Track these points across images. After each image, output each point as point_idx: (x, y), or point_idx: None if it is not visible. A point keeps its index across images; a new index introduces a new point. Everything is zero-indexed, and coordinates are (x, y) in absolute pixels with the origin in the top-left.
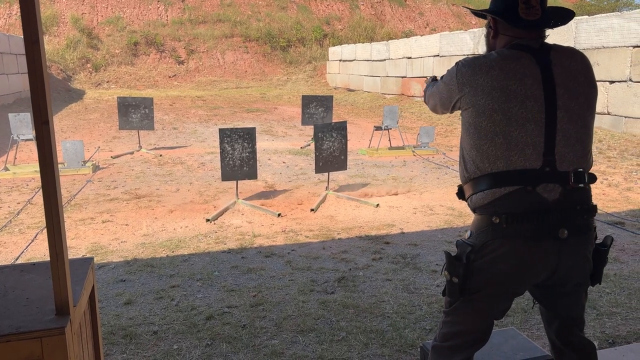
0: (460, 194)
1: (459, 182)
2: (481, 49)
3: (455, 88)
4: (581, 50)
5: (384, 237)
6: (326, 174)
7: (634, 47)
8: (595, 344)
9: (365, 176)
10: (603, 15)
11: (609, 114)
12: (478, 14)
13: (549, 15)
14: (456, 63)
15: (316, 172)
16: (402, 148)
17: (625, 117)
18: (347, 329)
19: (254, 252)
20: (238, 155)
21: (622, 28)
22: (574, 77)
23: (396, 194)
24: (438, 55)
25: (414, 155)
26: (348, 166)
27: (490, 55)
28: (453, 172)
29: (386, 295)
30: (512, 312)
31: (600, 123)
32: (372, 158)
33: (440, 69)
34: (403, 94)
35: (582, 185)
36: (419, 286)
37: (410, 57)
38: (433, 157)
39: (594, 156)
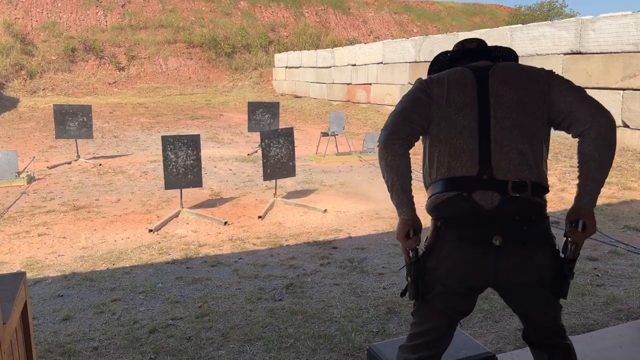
0: None
1: None
2: (422, 56)
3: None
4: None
5: (332, 242)
6: (274, 180)
7: (565, 54)
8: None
9: (314, 182)
10: (536, 24)
11: None
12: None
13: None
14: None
15: (264, 180)
16: (349, 154)
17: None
18: (295, 335)
19: (199, 262)
20: (182, 163)
21: (554, 36)
22: (512, 88)
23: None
24: (381, 63)
25: (361, 160)
26: (296, 172)
27: (444, 72)
28: None
29: (334, 299)
30: None
31: None
32: (320, 164)
33: (383, 76)
34: (349, 101)
35: (521, 195)
36: (366, 289)
37: (354, 65)
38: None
39: None
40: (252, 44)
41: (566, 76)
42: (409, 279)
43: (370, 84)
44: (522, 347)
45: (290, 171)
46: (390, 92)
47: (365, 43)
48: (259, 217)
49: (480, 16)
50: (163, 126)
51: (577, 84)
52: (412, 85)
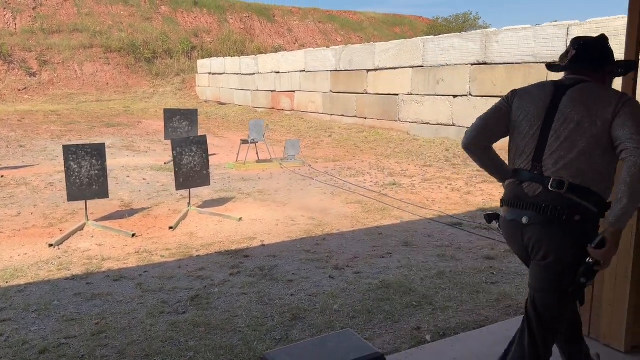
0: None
1: (323, 192)
2: (342, 65)
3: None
4: (428, 68)
5: (244, 250)
6: (190, 190)
7: (472, 64)
8: (428, 337)
9: (231, 190)
10: (446, 35)
11: (454, 125)
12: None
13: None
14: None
15: (177, 189)
16: (270, 161)
17: (468, 128)
18: (195, 348)
19: (101, 276)
20: (86, 174)
21: (462, 47)
22: (577, 108)
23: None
24: (304, 71)
25: (282, 167)
26: (214, 180)
27: (532, 85)
28: (317, 184)
29: (240, 309)
30: (357, 313)
31: (447, 134)
32: (240, 172)
33: (307, 84)
34: (274, 108)
35: (560, 191)
36: (274, 297)
37: (278, 72)
38: (299, 169)
39: (442, 164)
40: (174, 49)
41: (473, 85)
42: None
43: (294, 91)
44: (417, 345)
45: (204, 180)
46: (314, 100)
47: (289, 51)
48: (170, 227)
49: (400, 27)
50: (75, 134)
51: (483, 92)
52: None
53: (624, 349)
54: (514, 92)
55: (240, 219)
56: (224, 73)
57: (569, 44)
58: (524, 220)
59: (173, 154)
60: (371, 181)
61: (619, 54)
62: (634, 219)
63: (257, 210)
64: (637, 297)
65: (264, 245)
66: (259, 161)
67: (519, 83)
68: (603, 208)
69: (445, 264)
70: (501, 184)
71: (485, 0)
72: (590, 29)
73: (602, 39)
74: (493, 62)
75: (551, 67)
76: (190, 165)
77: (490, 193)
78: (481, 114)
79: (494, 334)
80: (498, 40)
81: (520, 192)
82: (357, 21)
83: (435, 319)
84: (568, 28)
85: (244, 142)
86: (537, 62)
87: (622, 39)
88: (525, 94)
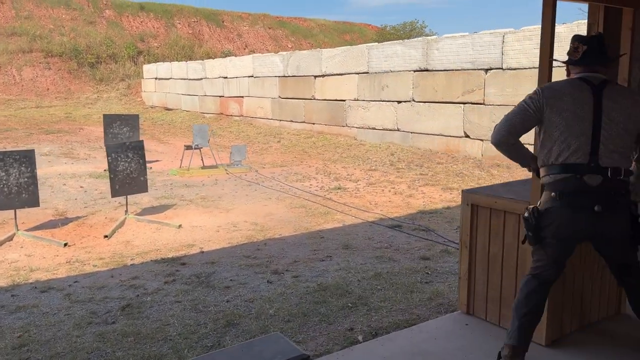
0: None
1: (268, 197)
2: (290, 70)
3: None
4: (374, 74)
5: (182, 258)
6: (129, 197)
7: (415, 71)
8: (360, 337)
9: (173, 197)
10: (389, 43)
11: (398, 130)
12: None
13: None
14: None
15: (112, 196)
16: (215, 167)
17: (411, 132)
18: (123, 358)
19: (28, 288)
20: (14, 182)
21: (405, 54)
22: (616, 108)
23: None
24: (252, 76)
25: (227, 173)
26: (155, 187)
27: (558, 83)
28: (263, 189)
29: (172, 317)
30: (292, 317)
31: (392, 138)
32: (184, 178)
33: (255, 89)
34: (222, 113)
35: (619, 177)
36: (209, 304)
37: (226, 77)
38: (246, 175)
39: (387, 168)
40: (119, 54)
41: (416, 91)
42: (529, 233)
43: (243, 96)
44: (349, 346)
45: (141, 186)
46: (262, 105)
47: (238, 56)
48: (105, 236)
49: (350, 34)
50: (11, 142)
51: (426, 98)
52: (531, 94)
53: (544, 343)
54: (543, 92)
55: (180, 226)
56: (171, 78)
57: (572, 41)
58: (597, 208)
59: (108, 160)
60: (317, 186)
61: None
62: None
63: (199, 217)
64: (555, 292)
65: (202, 252)
66: (203, 167)
67: (459, 89)
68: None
69: (383, 265)
70: (530, 172)
71: (430, 9)
72: (524, 36)
73: (603, 37)
74: (434, 69)
75: (567, 62)
76: (127, 171)
77: (431, 196)
78: (507, 113)
79: (424, 332)
80: (438, 47)
81: (583, 184)
82: (308, 28)
83: (369, 319)
84: (504, 36)
85: (188, 147)
86: (476, 69)
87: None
88: (561, 95)
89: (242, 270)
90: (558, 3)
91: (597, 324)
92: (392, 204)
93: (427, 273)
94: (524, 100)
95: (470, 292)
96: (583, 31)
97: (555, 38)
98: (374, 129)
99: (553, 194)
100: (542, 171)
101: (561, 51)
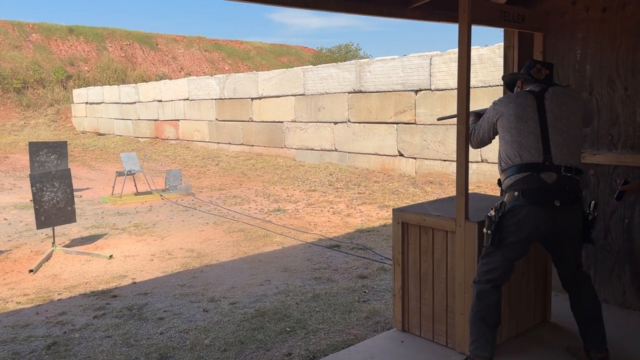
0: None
1: (206, 222)
2: (227, 93)
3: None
4: (310, 96)
5: (113, 290)
6: (54, 228)
7: (349, 92)
8: None
9: (104, 226)
10: (324, 65)
11: (336, 150)
12: (508, 80)
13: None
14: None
15: (38, 228)
16: (150, 192)
17: (349, 152)
18: None
19: None
20: None
21: (339, 77)
22: (559, 106)
23: None
24: (188, 99)
25: (162, 199)
26: (85, 217)
27: (509, 95)
28: (200, 214)
29: (102, 354)
30: (228, 345)
31: (330, 159)
32: (116, 206)
33: (191, 112)
34: (157, 137)
35: (569, 174)
36: (141, 337)
37: (161, 100)
38: (182, 200)
39: (326, 188)
40: (47, 78)
41: (351, 112)
42: (489, 231)
43: (179, 120)
44: None
45: (69, 216)
46: (199, 128)
47: (174, 79)
48: (30, 270)
49: (287, 56)
50: None
51: (361, 119)
52: (489, 107)
53: None
54: (495, 106)
55: (111, 256)
56: (102, 102)
57: (535, 64)
58: (557, 203)
59: (32, 190)
60: (256, 208)
61: (475, 81)
62: (474, 235)
63: (131, 246)
64: None
65: (135, 282)
66: (137, 193)
67: (391, 109)
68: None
69: (321, 286)
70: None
71: (365, 32)
72: (449, 58)
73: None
74: (367, 91)
75: (538, 79)
76: (53, 201)
77: (368, 214)
78: (478, 128)
79: (361, 352)
80: (371, 70)
81: (541, 180)
82: (244, 50)
83: (307, 342)
84: (431, 58)
85: (120, 174)
86: (406, 90)
87: (477, 67)
88: (508, 102)
89: (176, 300)
90: (481, 28)
91: (526, 332)
92: (331, 223)
93: (365, 292)
94: (488, 113)
95: (405, 309)
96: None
97: (479, 59)
98: (312, 149)
99: (516, 193)
100: (502, 176)
101: (485, 72)
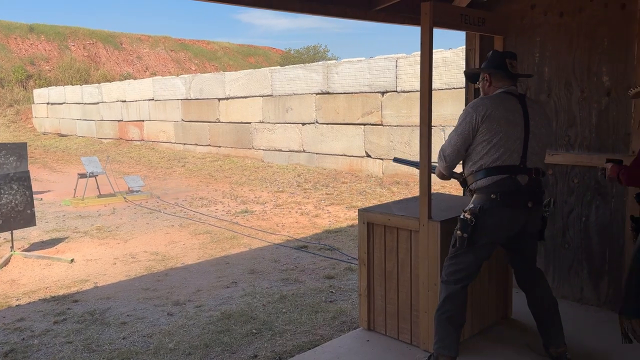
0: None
1: (171, 225)
2: (193, 93)
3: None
4: (277, 97)
5: (74, 295)
6: (13, 232)
7: (317, 94)
8: None
9: (65, 229)
10: (291, 66)
11: (304, 151)
12: (471, 73)
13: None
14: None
15: None
16: (114, 195)
17: (317, 153)
18: None
19: None
20: None
21: (307, 78)
22: (538, 115)
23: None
24: (153, 99)
25: (126, 201)
26: (46, 220)
27: (493, 97)
28: (165, 216)
29: None
30: (193, 349)
31: (298, 160)
32: (78, 208)
33: (156, 113)
34: (121, 138)
35: (537, 176)
36: (103, 343)
37: (125, 101)
38: (146, 202)
39: (294, 189)
40: (6, 78)
41: (319, 113)
42: (465, 234)
43: (143, 120)
44: None
45: (28, 220)
46: (165, 129)
47: (138, 79)
48: None
49: (255, 57)
50: None
51: (328, 120)
52: (465, 113)
53: None
54: (477, 110)
55: (72, 260)
56: (65, 103)
57: (506, 57)
58: (530, 204)
59: None
60: (223, 210)
61: (439, 83)
62: (437, 234)
63: (94, 250)
64: None
65: (97, 287)
66: (100, 196)
67: (359, 110)
68: None
69: (288, 287)
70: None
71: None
72: (415, 61)
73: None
74: (335, 92)
75: (518, 75)
76: (11, 204)
77: (336, 215)
78: (450, 140)
79: (327, 352)
80: (338, 71)
81: (517, 183)
82: (211, 50)
83: (273, 344)
84: (397, 60)
85: (82, 176)
86: (373, 92)
87: (441, 70)
88: (497, 105)
89: (140, 304)
90: (448, 32)
91: (489, 329)
92: (299, 224)
93: (332, 292)
94: (464, 122)
95: (370, 308)
96: None
97: (443, 62)
98: (280, 150)
99: (493, 195)
100: (471, 178)
101: (449, 75)
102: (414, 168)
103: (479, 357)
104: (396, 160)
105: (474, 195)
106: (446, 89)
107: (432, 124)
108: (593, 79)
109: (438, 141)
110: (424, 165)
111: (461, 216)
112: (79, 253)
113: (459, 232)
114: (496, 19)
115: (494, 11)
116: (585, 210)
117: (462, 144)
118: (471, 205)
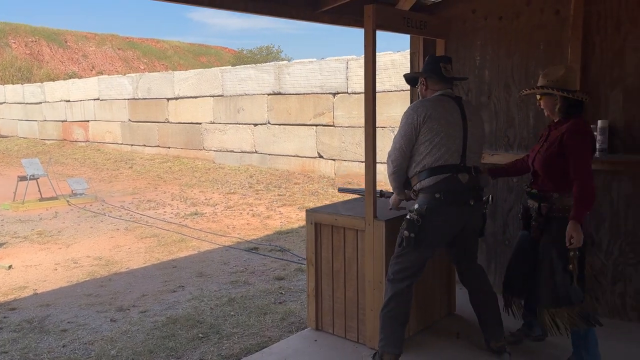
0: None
1: (116, 228)
2: (140, 93)
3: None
4: (229, 97)
5: (11, 302)
6: None
7: (269, 94)
8: None
9: (4, 234)
10: (242, 66)
11: (256, 152)
12: (410, 77)
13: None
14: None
15: None
16: (56, 198)
17: (269, 154)
18: None
19: None
20: None
21: (258, 78)
22: (474, 116)
23: None
24: (98, 99)
25: (69, 204)
26: None
27: (432, 99)
28: (110, 220)
29: None
30: (137, 355)
31: (250, 161)
32: (18, 212)
33: (102, 113)
34: (65, 139)
35: (476, 174)
36: (41, 352)
37: (69, 101)
38: (91, 205)
39: (246, 191)
40: None
41: (271, 114)
42: (412, 234)
43: (88, 121)
44: None
45: None
46: (111, 130)
47: (82, 78)
48: None
49: (207, 56)
50: None
51: (280, 121)
52: (406, 115)
53: None
54: (417, 112)
55: (10, 266)
56: (4, 102)
57: (441, 61)
58: (472, 202)
59: None
60: (172, 212)
61: (388, 85)
62: (382, 233)
63: (33, 255)
64: None
65: (36, 294)
66: (41, 199)
67: (310, 111)
68: None
69: (237, 290)
70: (400, 193)
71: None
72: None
73: None
74: (287, 93)
75: (452, 78)
76: None
77: (288, 216)
78: (395, 144)
79: (274, 353)
80: (290, 72)
81: (458, 181)
82: (161, 49)
83: (219, 348)
84: (347, 62)
85: (22, 178)
86: (325, 93)
87: (390, 72)
88: (436, 106)
89: (82, 310)
90: (399, 35)
91: (433, 325)
92: (250, 226)
93: (281, 293)
94: (406, 125)
95: (318, 308)
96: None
97: (392, 64)
98: (232, 151)
99: (437, 194)
100: (415, 179)
101: (398, 77)
102: (359, 194)
103: (424, 353)
104: (341, 190)
105: (419, 195)
106: (395, 90)
107: (382, 125)
108: (530, 81)
109: (387, 142)
110: (369, 165)
111: (407, 216)
112: (18, 259)
113: (405, 232)
114: (438, 23)
115: (435, 15)
116: None
117: (407, 145)
118: (417, 206)
